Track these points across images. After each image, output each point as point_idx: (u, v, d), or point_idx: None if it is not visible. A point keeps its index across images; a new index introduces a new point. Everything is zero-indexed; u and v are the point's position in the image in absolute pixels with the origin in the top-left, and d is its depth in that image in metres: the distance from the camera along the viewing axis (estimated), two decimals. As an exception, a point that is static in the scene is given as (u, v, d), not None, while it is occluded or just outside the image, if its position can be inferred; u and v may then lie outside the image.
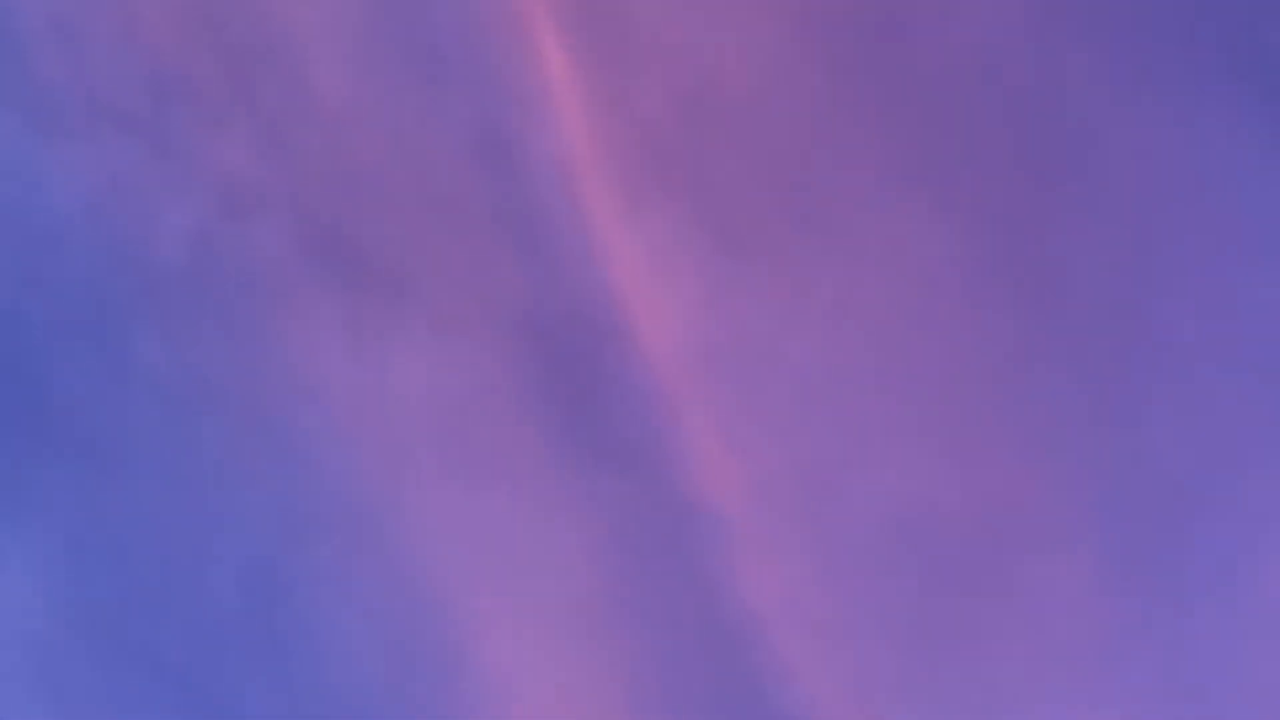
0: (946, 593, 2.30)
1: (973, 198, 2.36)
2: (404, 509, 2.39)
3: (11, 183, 2.42)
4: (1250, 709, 2.24)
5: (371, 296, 2.39)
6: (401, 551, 2.38)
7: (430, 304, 2.40)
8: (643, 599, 2.34)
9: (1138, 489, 2.31)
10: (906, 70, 2.40)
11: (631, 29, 2.42)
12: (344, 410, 2.39)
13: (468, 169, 2.42)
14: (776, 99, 2.41)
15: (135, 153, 2.41)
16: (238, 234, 2.39)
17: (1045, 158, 2.37)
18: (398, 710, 2.34)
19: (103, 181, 2.39)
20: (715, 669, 2.31)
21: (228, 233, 2.39)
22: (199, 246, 2.40)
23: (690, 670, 2.32)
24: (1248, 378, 2.34)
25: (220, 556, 2.38)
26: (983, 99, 2.39)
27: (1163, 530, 2.30)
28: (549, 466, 2.39)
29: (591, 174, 2.42)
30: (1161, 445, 2.32)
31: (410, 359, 2.40)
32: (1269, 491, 2.31)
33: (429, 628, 2.35)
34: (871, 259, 2.36)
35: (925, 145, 2.39)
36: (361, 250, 2.39)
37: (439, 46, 2.44)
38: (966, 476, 2.32)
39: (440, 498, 2.39)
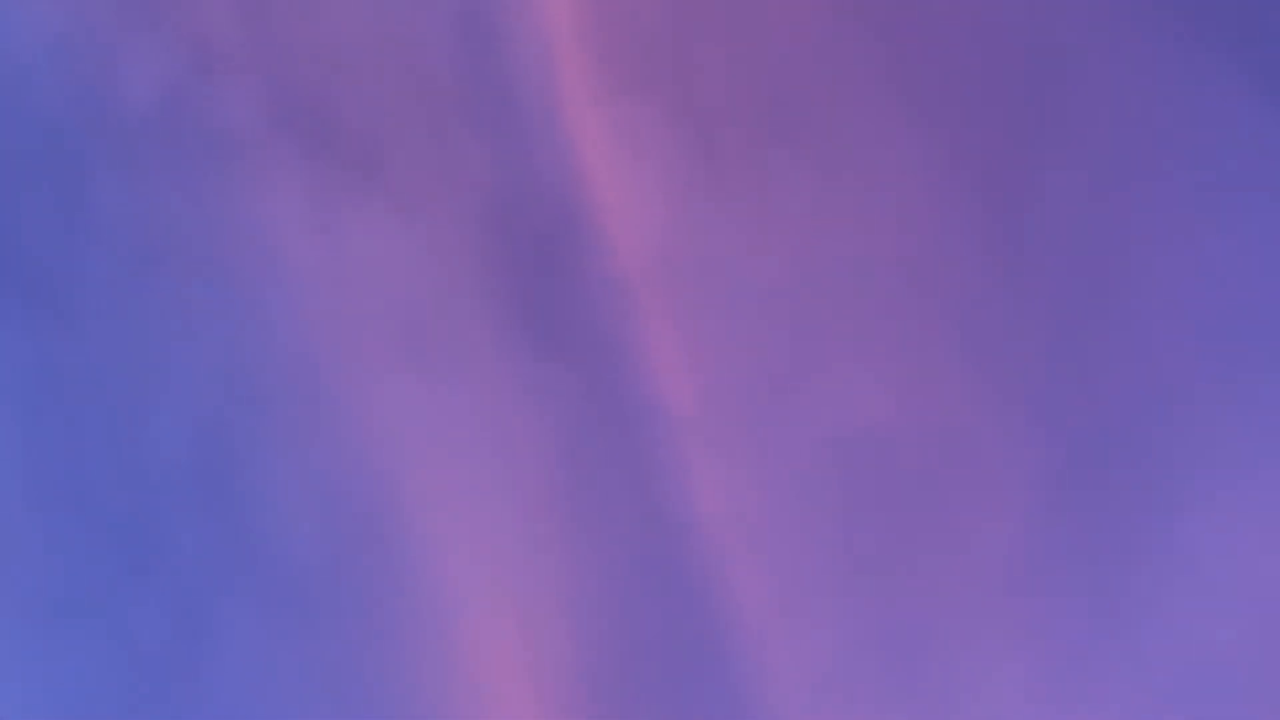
0: (887, 513, 2.31)
1: (956, 126, 2.33)
2: (356, 384, 2.38)
3: (-22, 17, 2.37)
4: (1185, 639, 2.27)
5: (337, 168, 2.35)
6: (351, 427, 2.37)
7: (396, 180, 2.36)
8: (590, 493, 2.34)
9: (1088, 428, 2.31)
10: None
11: (625, -87, 2.36)
12: (301, 280, 2.37)
13: (445, 45, 2.37)
14: (769, 5, 2.36)
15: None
16: (207, 92, 2.34)
17: (1030, 94, 2.33)
18: (338, 584, 2.36)
19: (69, 25, 2.34)
20: (656, 566, 2.33)
21: (197, 90, 2.34)
22: (166, 101, 2.35)
23: (632, 566, 2.33)
24: (1210, 322, 2.33)
25: (169, 414, 2.38)
26: (971, 21, 2.35)
27: (1107, 469, 2.31)
28: (504, 352, 2.38)
29: (571, 59, 2.38)
30: (1116, 388, 2.32)
31: (372, 234, 2.37)
32: (1221, 430, 2.32)
33: (375, 506, 2.36)
34: (849, 178, 2.34)
35: (913, 68, 2.35)
36: (330, 121, 2.34)
37: (426, -86, 2.38)
38: (922, 401, 2.31)
39: (393, 375, 2.38)
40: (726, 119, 2.36)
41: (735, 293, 2.35)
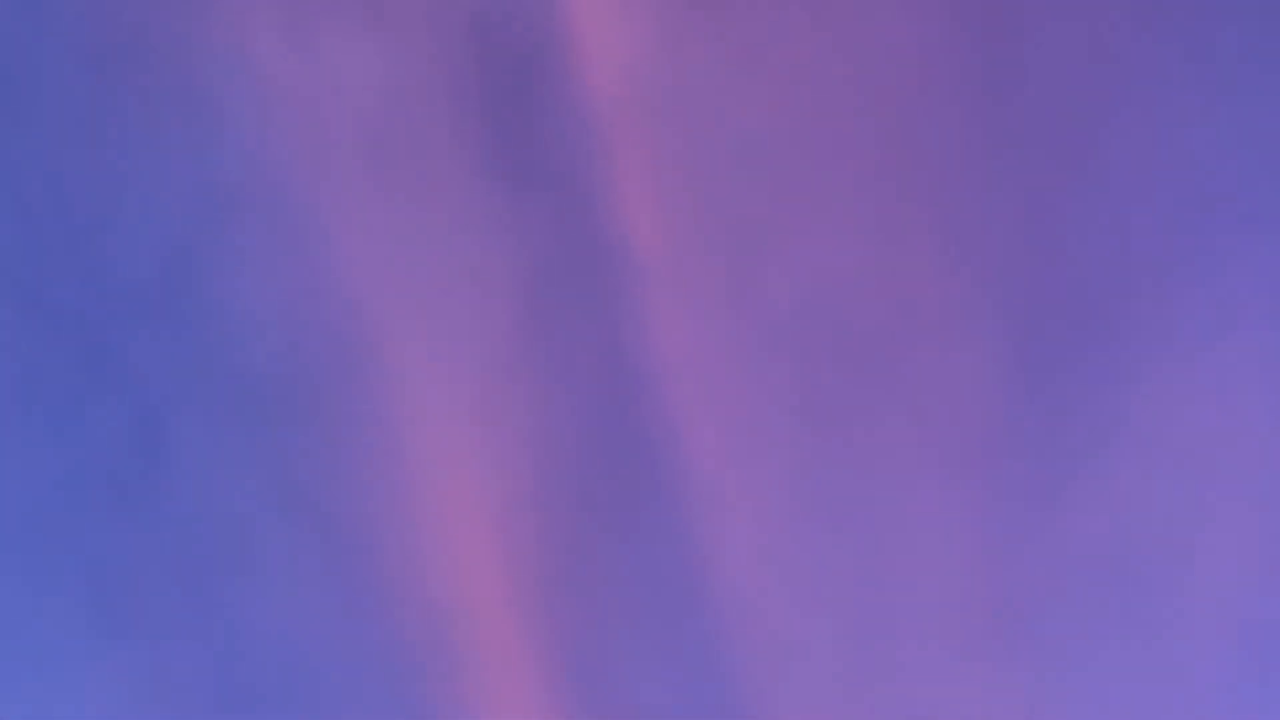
0: (846, 373, 2.32)
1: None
2: (323, 203, 2.35)
3: None
4: (1136, 502, 2.31)
5: (314, -17, 2.28)
6: (317, 246, 2.35)
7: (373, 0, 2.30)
8: (552, 329, 2.35)
9: (1051, 300, 2.32)
10: None
11: None
12: (273, 96, 2.32)
13: None
14: None
15: None
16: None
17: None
18: (298, 401, 2.36)
19: None
20: (614, 406, 2.34)
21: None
22: (137, -102, 2.26)
23: (590, 403, 2.35)
24: (1177, 199, 2.33)
25: (131, 222, 2.35)
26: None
27: (1067, 339, 2.33)
28: (475, 180, 2.35)
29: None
30: (1079, 262, 2.32)
31: (347, 53, 2.31)
32: (1182, 304, 2.34)
33: (337, 325, 2.35)
34: (833, 29, 2.29)
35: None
36: (308, -66, 2.26)
37: None
38: (890, 264, 2.31)
39: (361, 196, 2.35)
40: (716, -43, 2.30)
41: (712, 139, 2.32)
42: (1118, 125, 2.32)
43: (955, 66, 2.30)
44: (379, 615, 2.30)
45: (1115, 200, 2.32)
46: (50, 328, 2.36)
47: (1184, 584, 2.24)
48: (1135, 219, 2.33)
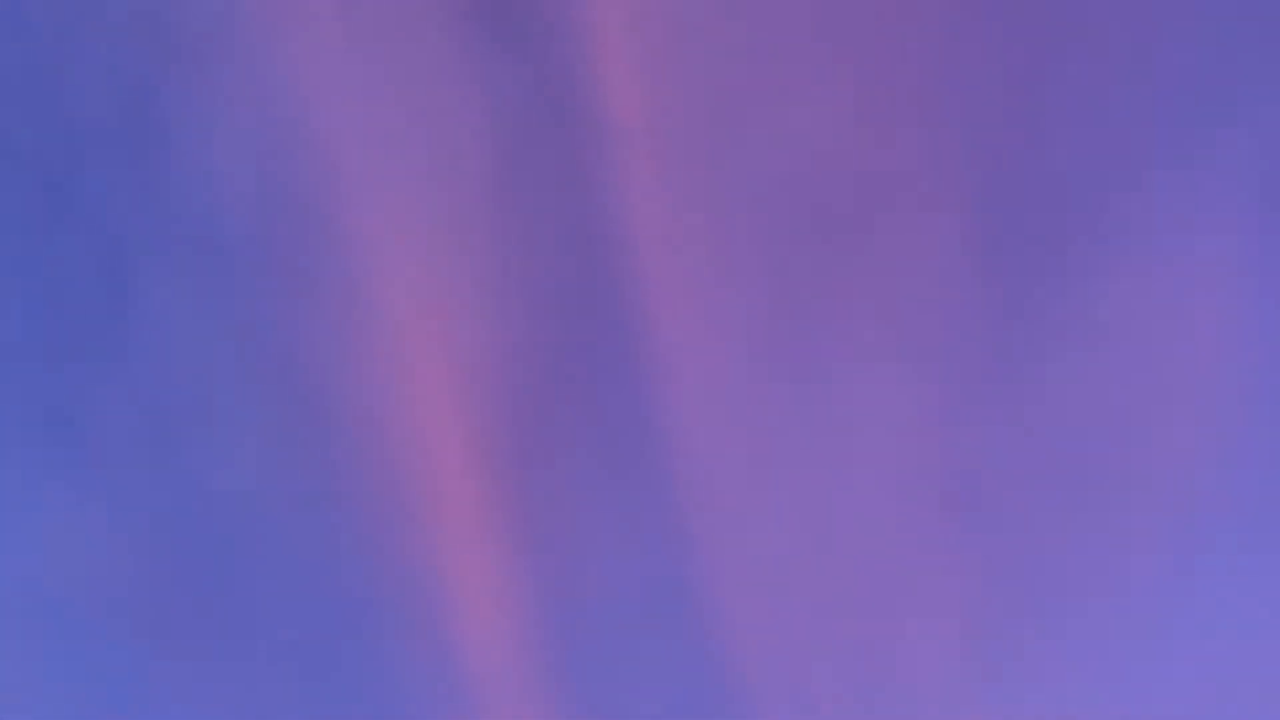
0: (816, 248, 2.31)
1: None
2: (294, 50, 2.29)
3: None
4: (1088, 395, 2.33)
5: None
6: (286, 94, 2.30)
7: None
8: (525, 192, 2.32)
9: (1024, 185, 2.31)
10: None
11: None
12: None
13: None
14: None
15: None
16: None
17: None
18: (261, 252, 2.33)
19: None
20: (582, 273, 2.33)
21: None
22: None
23: (558, 269, 2.33)
24: (1151, 95, 2.31)
25: (93, 62, 2.29)
26: None
27: (1038, 227, 2.32)
28: (450, 34, 2.30)
29: None
30: (1054, 150, 2.30)
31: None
32: (1148, 199, 2.33)
33: (305, 175, 2.32)
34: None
35: None
36: None
37: None
38: (868, 143, 2.29)
39: (332, 45, 2.30)
40: None
41: (694, 5, 2.27)
42: (1098, 16, 2.29)
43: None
44: (340, 472, 2.31)
45: (1091, 91, 2.30)
46: (9, 169, 2.32)
47: (1144, 469, 2.27)
48: (1111, 112, 2.31)
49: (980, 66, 2.28)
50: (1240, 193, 2.31)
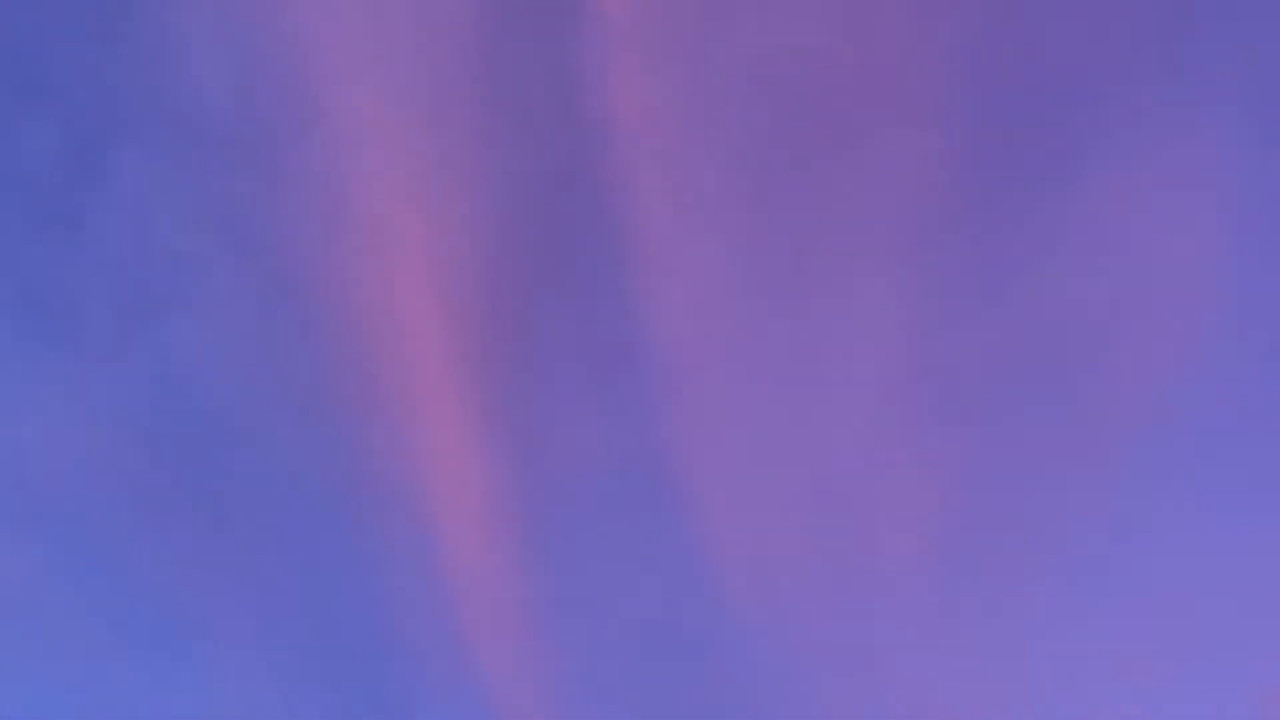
0: (800, 143, 2.31)
1: None
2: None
3: None
4: (1065, 299, 2.32)
5: None
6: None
7: None
8: (505, 77, 2.30)
9: (1015, 81, 2.31)
10: None
11: None
12: None
13: None
14: None
15: None
16: None
17: None
18: (239, 136, 2.31)
19: None
20: (564, 160, 2.31)
21: None
22: None
23: (541, 156, 2.32)
24: (1138, 7, 2.32)
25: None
26: None
27: (1020, 133, 2.33)
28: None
29: None
30: (1045, 62, 2.31)
31: None
32: (1131, 105, 2.34)
33: (283, 60, 2.30)
34: None
35: None
36: None
37: None
38: (855, 41, 2.29)
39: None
40: None
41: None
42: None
43: None
44: (318, 356, 2.28)
45: (1081, 4, 2.31)
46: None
47: (1126, 372, 2.27)
48: (1098, 18, 2.31)
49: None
50: (1227, 98, 2.32)
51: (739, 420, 2.31)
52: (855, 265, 2.32)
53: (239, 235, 2.29)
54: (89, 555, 2.20)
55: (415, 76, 2.30)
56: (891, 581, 2.24)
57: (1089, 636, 2.20)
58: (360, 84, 2.29)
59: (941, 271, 2.32)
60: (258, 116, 2.29)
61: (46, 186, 2.29)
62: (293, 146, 2.30)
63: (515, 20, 2.29)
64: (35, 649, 2.20)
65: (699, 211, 2.30)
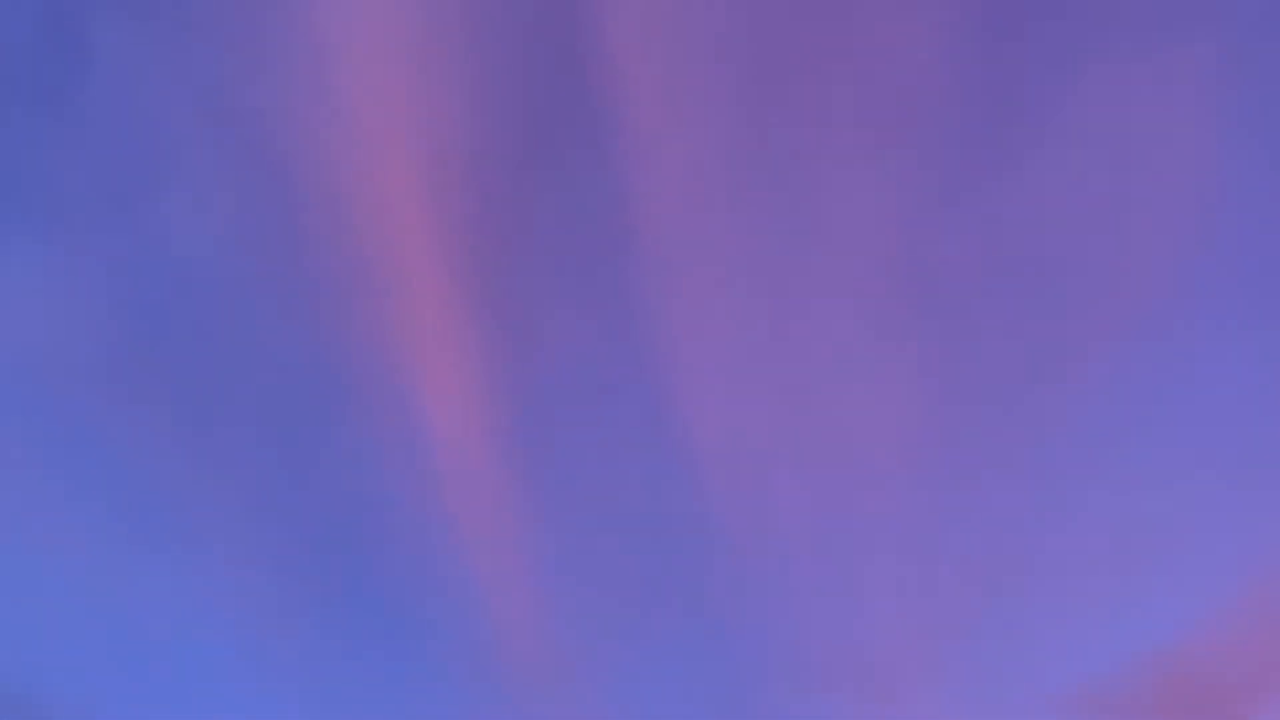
0: (796, 28, 2.29)
1: None
2: None
3: None
4: (1057, 197, 2.34)
5: None
6: None
7: None
8: (502, 9, 2.27)
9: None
10: None
11: None
12: None
13: None
14: None
15: None
16: None
17: None
18: (227, 10, 2.26)
19: None
20: (550, 47, 2.28)
21: None
22: None
23: (526, 44, 2.29)
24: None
25: None
26: None
27: (1019, 30, 2.32)
28: None
29: None
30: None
31: None
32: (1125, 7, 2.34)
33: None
34: None
35: None
36: None
37: None
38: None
39: None
40: None
41: None
42: None
43: None
44: (301, 236, 2.25)
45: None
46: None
47: (1117, 267, 2.30)
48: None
49: None
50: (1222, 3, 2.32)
51: (726, 313, 2.32)
52: (845, 160, 2.33)
53: (225, 112, 2.25)
54: (71, 438, 2.18)
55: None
56: (873, 473, 2.28)
57: (1066, 535, 2.25)
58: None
59: (931, 172, 2.33)
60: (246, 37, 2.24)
61: (25, 60, 2.23)
62: (280, 22, 2.26)
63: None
64: (21, 532, 2.18)
65: (690, 105, 2.29)
